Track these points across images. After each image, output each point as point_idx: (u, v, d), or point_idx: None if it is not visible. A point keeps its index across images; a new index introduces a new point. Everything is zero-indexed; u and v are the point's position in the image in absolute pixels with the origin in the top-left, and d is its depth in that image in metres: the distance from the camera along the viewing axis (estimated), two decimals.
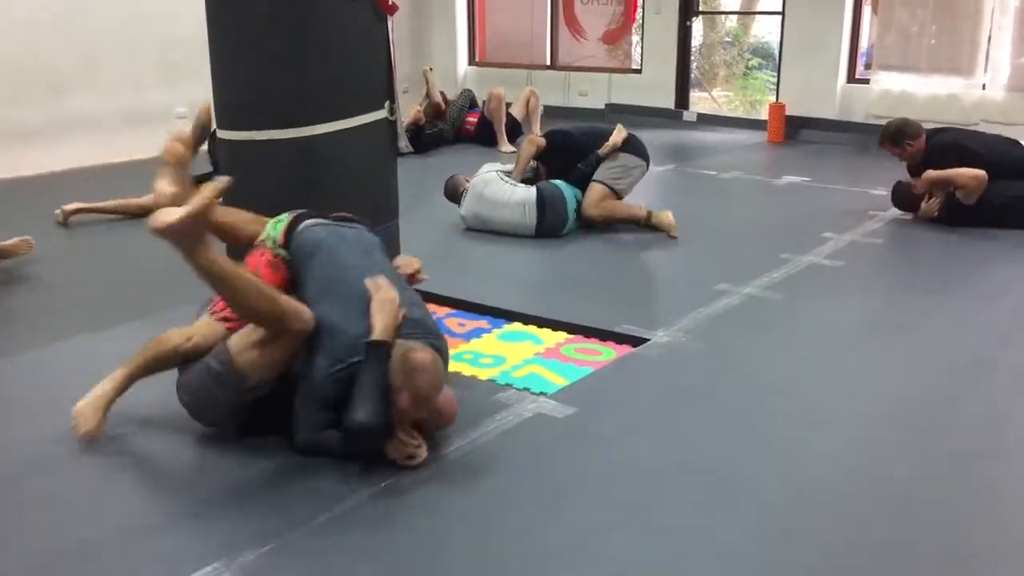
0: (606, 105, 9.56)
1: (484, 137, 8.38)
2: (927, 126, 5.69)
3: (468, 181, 5.57)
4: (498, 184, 5.41)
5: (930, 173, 5.35)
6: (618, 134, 5.56)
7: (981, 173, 5.21)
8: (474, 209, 5.45)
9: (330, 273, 2.92)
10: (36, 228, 5.71)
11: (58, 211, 5.77)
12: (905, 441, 2.97)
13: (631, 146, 5.60)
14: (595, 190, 5.48)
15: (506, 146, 8.19)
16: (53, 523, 2.54)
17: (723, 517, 2.52)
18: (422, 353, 2.69)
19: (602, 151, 5.51)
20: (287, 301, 2.73)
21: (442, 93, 8.78)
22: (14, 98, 7.22)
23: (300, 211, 3.15)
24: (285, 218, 3.12)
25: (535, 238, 5.29)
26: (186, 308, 4.15)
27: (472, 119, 8.58)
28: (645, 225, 5.44)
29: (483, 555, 2.36)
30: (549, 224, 5.32)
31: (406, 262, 3.51)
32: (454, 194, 5.65)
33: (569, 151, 5.60)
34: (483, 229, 5.42)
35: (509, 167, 5.60)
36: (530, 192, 5.34)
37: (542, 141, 5.64)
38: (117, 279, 4.72)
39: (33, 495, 2.68)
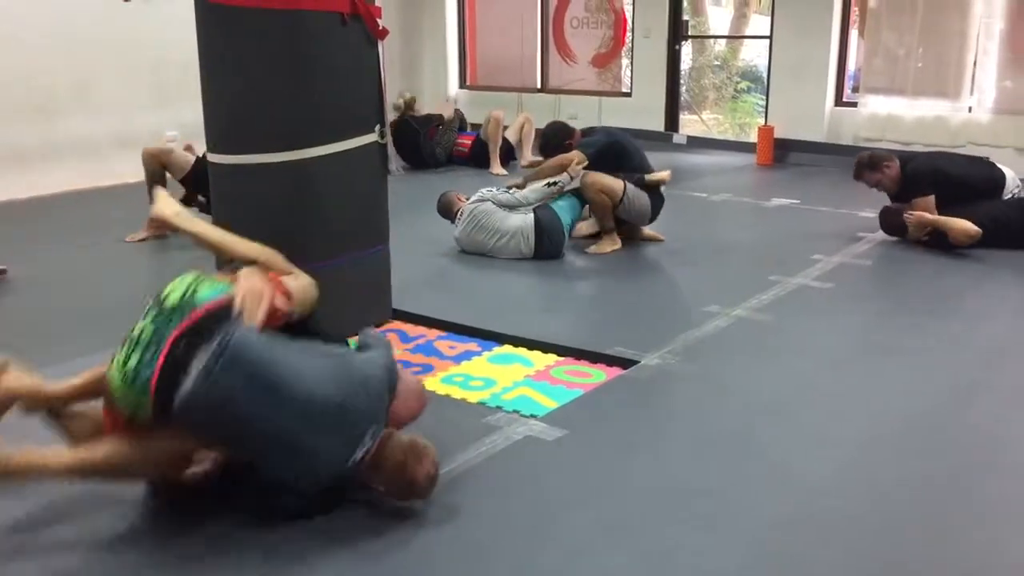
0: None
1: (479, 159, 8.43)
2: (914, 148, 5.74)
3: (462, 200, 5.59)
4: (494, 212, 5.38)
5: (925, 217, 5.36)
6: (667, 175, 5.64)
7: (974, 231, 5.19)
8: (470, 235, 5.43)
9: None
10: (28, 250, 5.71)
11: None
12: (897, 462, 2.97)
13: (659, 196, 5.65)
14: (615, 182, 5.45)
15: (498, 168, 8.22)
16: None
17: (715, 540, 2.51)
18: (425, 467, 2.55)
19: (649, 178, 5.55)
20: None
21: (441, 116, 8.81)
22: (7, 120, 7.21)
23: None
24: None
25: (531, 260, 5.32)
26: None
27: (466, 141, 8.63)
28: (603, 233, 5.58)
29: None
30: (547, 251, 5.34)
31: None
32: (447, 211, 5.66)
33: (612, 160, 5.59)
34: (477, 252, 5.44)
35: (503, 193, 5.51)
36: (527, 219, 5.34)
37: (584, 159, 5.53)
38: (100, 304, 4.70)
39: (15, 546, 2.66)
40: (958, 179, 5.47)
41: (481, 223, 5.38)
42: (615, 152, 5.63)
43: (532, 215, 5.35)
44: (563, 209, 5.43)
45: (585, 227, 5.76)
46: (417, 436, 2.60)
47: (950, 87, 7.92)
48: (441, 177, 7.95)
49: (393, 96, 8.14)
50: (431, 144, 8.46)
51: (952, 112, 7.92)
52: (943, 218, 5.32)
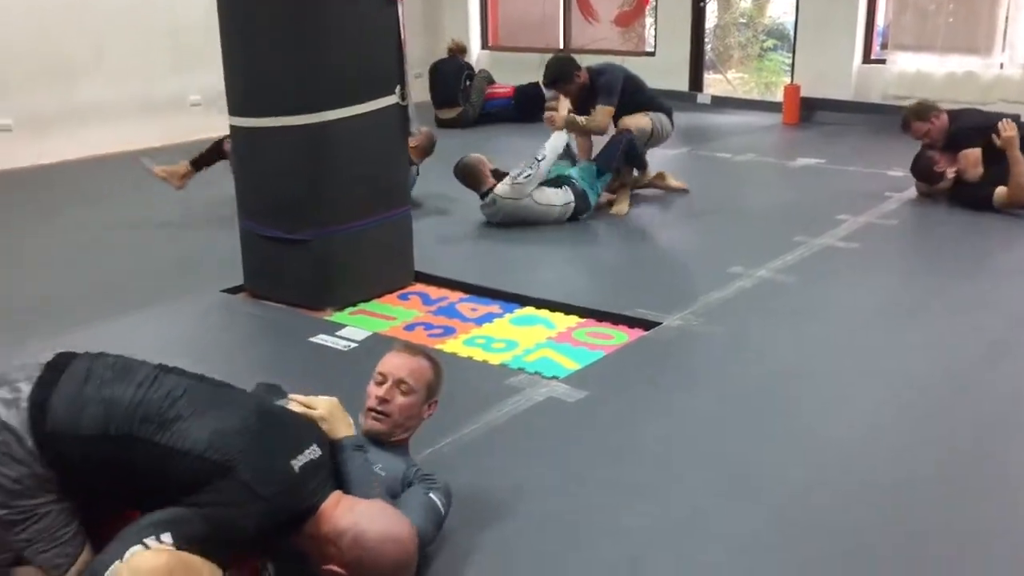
0: None
1: (522, 108, 8.60)
2: (944, 106, 5.63)
3: (488, 177, 5.23)
4: (531, 206, 5.17)
5: (971, 161, 5.29)
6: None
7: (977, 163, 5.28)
8: (505, 216, 5.21)
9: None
10: (54, 216, 5.76)
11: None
12: (921, 424, 2.95)
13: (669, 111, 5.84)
14: (644, 120, 5.65)
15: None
16: None
17: (738, 502, 2.51)
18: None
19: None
20: None
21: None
22: (27, 87, 7.25)
23: None
24: None
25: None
26: (182, 301, 4.19)
27: (504, 90, 8.85)
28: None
29: (494, 538, 2.36)
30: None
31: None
32: (473, 182, 5.28)
33: (628, 97, 5.65)
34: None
35: (523, 178, 5.19)
36: (567, 209, 5.24)
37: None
38: (114, 274, 4.74)
39: None
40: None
41: (519, 215, 5.19)
42: (631, 88, 5.65)
43: (572, 205, 5.25)
44: (591, 187, 5.36)
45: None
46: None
47: (981, 43, 7.75)
48: (471, 135, 7.99)
49: (414, 55, 8.20)
50: (468, 88, 8.72)
51: (983, 68, 7.76)
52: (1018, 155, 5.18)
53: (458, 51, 8.99)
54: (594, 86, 5.67)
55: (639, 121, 5.62)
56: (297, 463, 1.94)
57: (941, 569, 2.24)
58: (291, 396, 2.23)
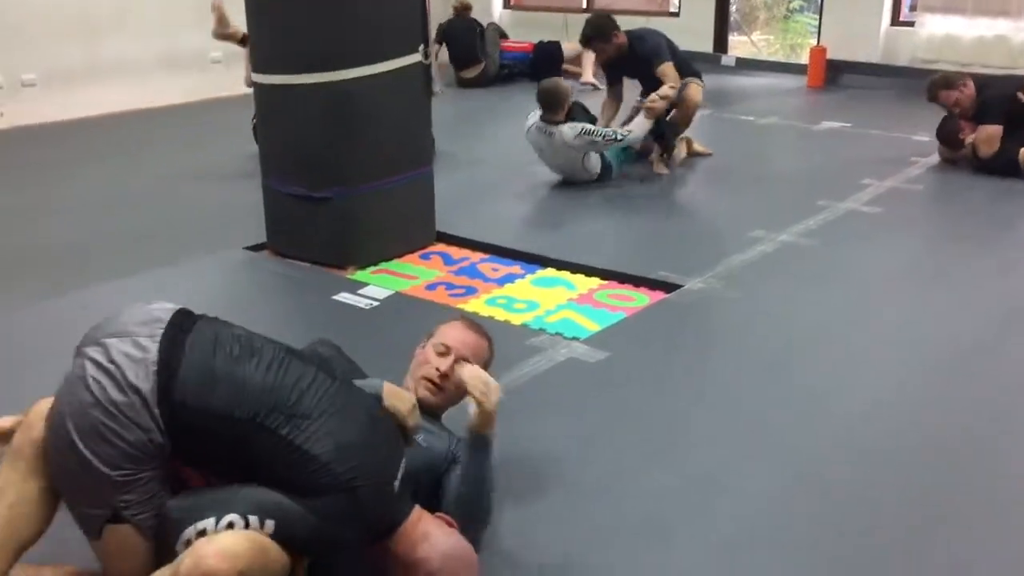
0: None
1: (538, 67, 8.57)
2: (973, 70, 5.56)
3: (565, 105, 5.15)
4: (577, 164, 5.18)
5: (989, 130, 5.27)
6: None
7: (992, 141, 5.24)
8: (544, 150, 5.23)
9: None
10: (77, 172, 5.79)
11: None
12: (942, 389, 2.95)
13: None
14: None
15: (589, 77, 8.37)
16: None
17: (756, 463, 2.52)
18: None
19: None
20: None
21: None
22: (51, 42, 7.25)
23: None
24: None
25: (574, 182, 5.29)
26: (204, 257, 4.21)
27: (522, 44, 8.87)
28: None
29: (515, 496, 2.38)
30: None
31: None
32: (552, 103, 5.12)
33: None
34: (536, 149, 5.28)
35: (612, 135, 5.14)
36: (595, 175, 5.25)
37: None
38: (148, 223, 4.77)
39: None
40: None
41: (556, 160, 5.21)
42: (672, 49, 5.62)
43: (597, 173, 5.25)
44: (618, 162, 5.34)
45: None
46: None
47: (1012, 5, 7.61)
48: (492, 96, 7.97)
49: (437, 14, 8.16)
50: (483, 43, 8.73)
51: (1014, 32, 7.62)
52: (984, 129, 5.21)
53: (464, 9, 8.97)
54: (635, 52, 5.55)
55: (697, 97, 5.55)
56: (397, 482, 1.93)
57: (958, 537, 2.24)
58: (385, 384, 2.15)
